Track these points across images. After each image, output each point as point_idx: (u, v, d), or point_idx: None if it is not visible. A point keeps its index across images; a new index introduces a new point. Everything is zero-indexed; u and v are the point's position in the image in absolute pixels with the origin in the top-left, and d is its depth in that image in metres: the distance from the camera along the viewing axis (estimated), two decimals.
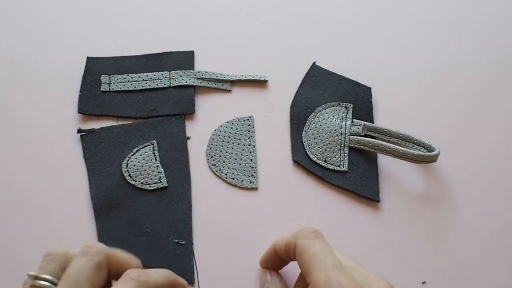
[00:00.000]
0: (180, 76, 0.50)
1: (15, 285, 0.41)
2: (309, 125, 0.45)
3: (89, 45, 0.52)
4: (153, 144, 0.47)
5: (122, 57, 0.51)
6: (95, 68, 0.51)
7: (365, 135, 0.45)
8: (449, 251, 0.43)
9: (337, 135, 0.44)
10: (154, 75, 0.50)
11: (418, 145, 0.44)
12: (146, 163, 0.46)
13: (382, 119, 0.48)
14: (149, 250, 0.42)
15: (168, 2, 0.56)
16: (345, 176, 0.44)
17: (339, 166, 0.44)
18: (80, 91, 0.49)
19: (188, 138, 0.48)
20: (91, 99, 0.49)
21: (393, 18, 0.55)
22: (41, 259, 0.36)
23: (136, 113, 0.48)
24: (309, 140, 0.45)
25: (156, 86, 0.49)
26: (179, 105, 0.49)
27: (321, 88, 0.47)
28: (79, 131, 0.47)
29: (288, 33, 0.54)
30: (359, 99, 0.46)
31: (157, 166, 0.46)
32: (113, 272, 0.33)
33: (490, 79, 0.52)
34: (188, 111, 0.49)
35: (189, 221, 0.43)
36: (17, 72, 0.51)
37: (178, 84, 0.50)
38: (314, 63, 0.49)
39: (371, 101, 0.47)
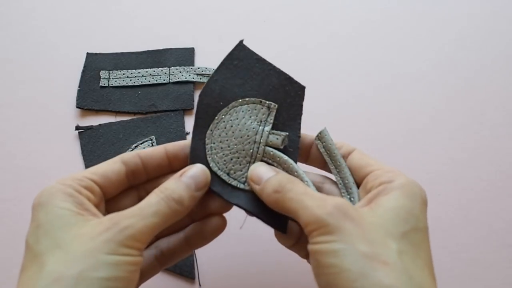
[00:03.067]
0: (180, 72, 0.50)
1: (14, 282, 0.41)
2: (217, 123, 0.34)
3: (89, 42, 0.52)
4: (152, 140, 0.46)
5: (122, 53, 0.51)
6: (95, 63, 0.50)
7: (285, 149, 0.34)
8: (453, 248, 0.43)
9: (249, 142, 0.34)
10: (154, 71, 0.50)
11: (341, 180, 0.33)
12: None
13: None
14: None
15: (170, 0, 0.56)
16: (248, 196, 0.33)
17: (244, 184, 0.33)
18: (79, 86, 0.49)
19: (187, 133, 0.47)
20: (90, 94, 0.49)
21: (399, 23, 0.55)
22: None
23: (135, 109, 0.48)
24: (214, 143, 0.34)
25: (156, 82, 0.49)
26: (178, 100, 0.49)
27: (243, 76, 0.35)
28: (77, 128, 0.47)
29: (288, 31, 0.54)
30: (287, 99, 0.35)
31: None
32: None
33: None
34: (187, 107, 0.48)
35: None
36: (17, 69, 0.51)
37: (178, 80, 0.49)
38: (241, 41, 0.36)
39: (302, 105, 0.35)
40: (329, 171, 0.34)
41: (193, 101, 0.49)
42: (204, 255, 0.42)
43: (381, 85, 0.51)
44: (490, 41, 0.54)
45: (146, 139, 0.47)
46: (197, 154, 0.34)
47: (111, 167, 0.30)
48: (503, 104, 0.50)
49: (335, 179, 0.33)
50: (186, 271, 0.41)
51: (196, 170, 0.31)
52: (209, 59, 0.52)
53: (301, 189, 0.28)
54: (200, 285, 0.41)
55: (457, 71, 0.52)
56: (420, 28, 0.54)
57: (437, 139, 0.48)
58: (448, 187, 0.45)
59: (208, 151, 0.34)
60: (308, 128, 0.34)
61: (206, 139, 0.34)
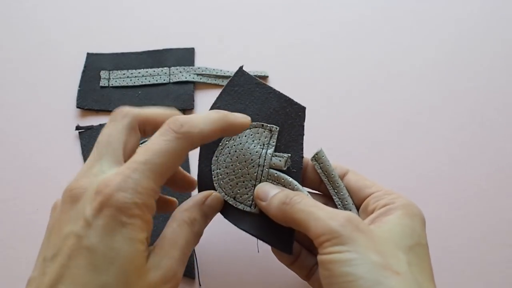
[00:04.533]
0: (180, 72, 0.50)
1: (14, 282, 0.41)
2: (222, 149, 0.35)
3: (90, 42, 0.52)
4: None
5: (122, 53, 0.51)
6: (95, 64, 0.51)
7: (288, 170, 0.34)
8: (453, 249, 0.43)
9: (253, 166, 0.34)
10: (154, 71, 0.50)
11: (340, 201, 0.34)
12: None
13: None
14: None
15: (170, 0, 0.56)
16: (255, 220, 0.34)
17: (250, 207, 0.34)
18: (79, 86, 0.49)
19: None
20: (90, 94, 0.49)
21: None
22: None
23: None
24: (219, 169, 0.35)
25: (156, 82, 0.49)
26: (178, 100, 0.49)
27: (244, 101, 0.36)
28: (77, 128, 0.47)
29: (288, 31, 0.54)
30: (288, 121, 0.35)
31: None
32: (152, 132, 0.30)
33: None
34: (187, 107, 0.49)
35: None
36: (17, 69, 0.51)
37: (178, 80, 0.50)
38: (241, 67, 0.37)
39: (303, 125, 0.35)
40: (323, 191, 0.35)
41: (193, 101, 0.49)
42: (204, 255, 0.42)
43: (380, 84, 0.51)
44: (490, 40, 0.54)
45: (146, 139, 0.47)
46: (204, 181, 0.35)
47: (181, 158, 0.28)
48: (502, 104, 0.50)
49: (334, 200, 0.34)
50: (186, 270, 0.41)
51: (215, 200, 0.33)
52: (209, 59, 0.52)
53: (310, 202, 0.29)
54: (200, 285, 0.41)
55: (456, 70, 0.52)
56: (418, 26, 0.55)
57: (436, 139, 0.48)
58: (448, 187, 0.46)
59: (214, 177, 0.35)
60: (308, 128, 0.34)
61: (212, 165, 0.35)
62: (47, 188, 0.45)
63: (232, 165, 0.35)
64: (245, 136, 0.35)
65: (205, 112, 0.31)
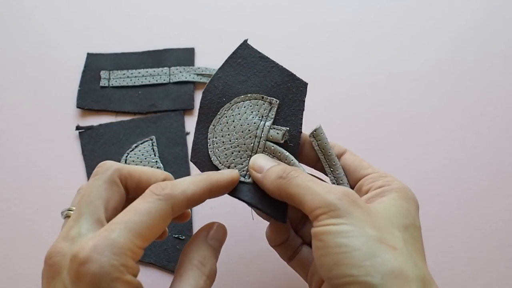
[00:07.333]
0: (180, 72, 0.50)
1: (14, 281, 0.41)
2: (220, 118, 0.35)
3: (90, 42, 0.53)
4: (152, 140, 0.47)
5: (122, 53, 0.52)
6: (95, 64, 0.51)
7: (285, 144, 0.34)
8: (453, 247, 0.43)
9: (250, 137, 0.34)
10: (154, 71, 0.50)
11: (335, 180, 0.34)
12: (145, 158, 0.45)
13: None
14: (149, 246, 0.41)
15: (170, 0, 0.56)
16: (249, 188, 0.34)
17: (244, 177, 0.34)
18: (80, 86, 0.49)
19: (187, 133, 0.48)
20: (90, 94, 0.49)
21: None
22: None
23: (135, 109, 0.48)
24: (216, 138, 0.35)
25: (156, 82, 0.50)
26: (178, 100, 0.49)
27: (246, 73, 0.36)
28: (77, 128, 0.47)
29: (288, 31, 0.54)
30: (289, 95, 0.35)
31: (156, 161, 0.45)
32: (135, 189, 0.30)
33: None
34: (187, 107, 0.49)
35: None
36: (17, 69, 0.51)
37: (178, 80, 0.50)
38: (245, 41, 0.37)
39: (304, 101, 0.35)
40: (319, 169, 0.35)
41: (193, 101, 0.49)
42: None
43: (380, 84, 0.51)
44: (490, 40, 0.54)
45: (146, 139, 0.47)
46: (199, 148, 0.35)
47: (164, 220, 0.27)
48: (502, 104, 0.50)
49: (328, 178, 0.34)
50: None
51: (219, 230, 0.32)
52: (209, 59, 0.52)
53: (307, 177, 0.29)
54: None
55: (457, 70, 0.52)
56: (420, 27, 0.55)
57: (436, 139, 0.48)
58: (448, 187, 0.46)
59: (210, 145, 0.35)
60: (305, 126, 0.34)
61: (208, 133, 0.35)
62: (47, 188, 0.45)
63: (228, 135, 0.35)
64: (244, 107, 0.35)
65: (188, 177, 0.30)
